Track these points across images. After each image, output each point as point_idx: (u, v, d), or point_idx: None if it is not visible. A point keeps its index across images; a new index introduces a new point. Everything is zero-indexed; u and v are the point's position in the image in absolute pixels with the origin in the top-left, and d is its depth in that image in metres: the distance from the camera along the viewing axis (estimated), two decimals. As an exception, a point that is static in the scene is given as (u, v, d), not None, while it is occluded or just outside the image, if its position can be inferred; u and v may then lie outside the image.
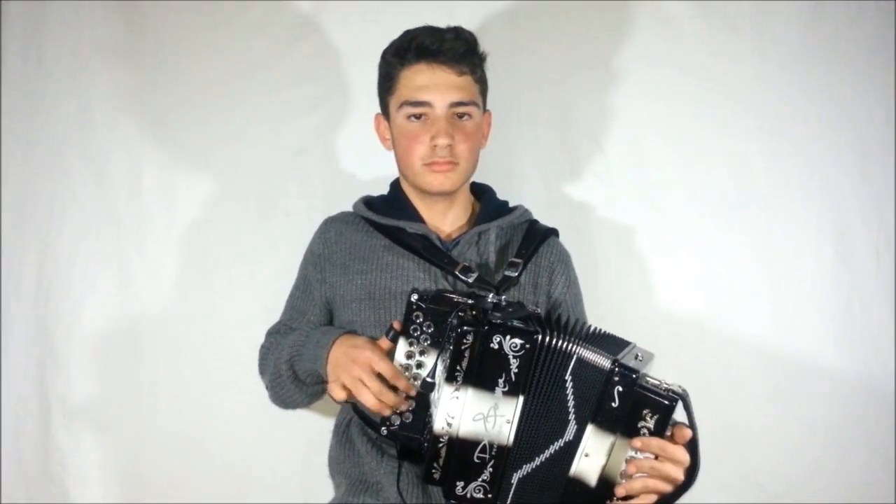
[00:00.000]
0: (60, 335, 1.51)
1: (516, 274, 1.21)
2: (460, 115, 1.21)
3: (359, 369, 1.07)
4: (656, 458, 1.00)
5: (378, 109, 1.29)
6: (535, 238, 1.28)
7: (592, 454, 1.01)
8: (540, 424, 1.02)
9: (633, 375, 0.99)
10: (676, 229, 1.53)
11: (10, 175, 1.51)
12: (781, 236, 1.51)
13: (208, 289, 1.52)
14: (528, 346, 0.99)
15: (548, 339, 1.01)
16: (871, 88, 1.50)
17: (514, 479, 1.03)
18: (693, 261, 1.53)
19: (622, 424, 1.00)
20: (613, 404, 1.00)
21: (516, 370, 1.00)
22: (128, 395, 1.51)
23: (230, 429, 1.51)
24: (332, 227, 1.30)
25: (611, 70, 1.53)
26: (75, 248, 1.52)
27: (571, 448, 1.02)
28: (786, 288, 1.51)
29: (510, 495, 1.03)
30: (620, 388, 0.99)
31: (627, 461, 1.01)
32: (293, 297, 1.33)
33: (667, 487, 1.01)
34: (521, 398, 1.01)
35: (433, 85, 1.19)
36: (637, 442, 0.99)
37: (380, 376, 1.06)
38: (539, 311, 1.10)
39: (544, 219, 1.36)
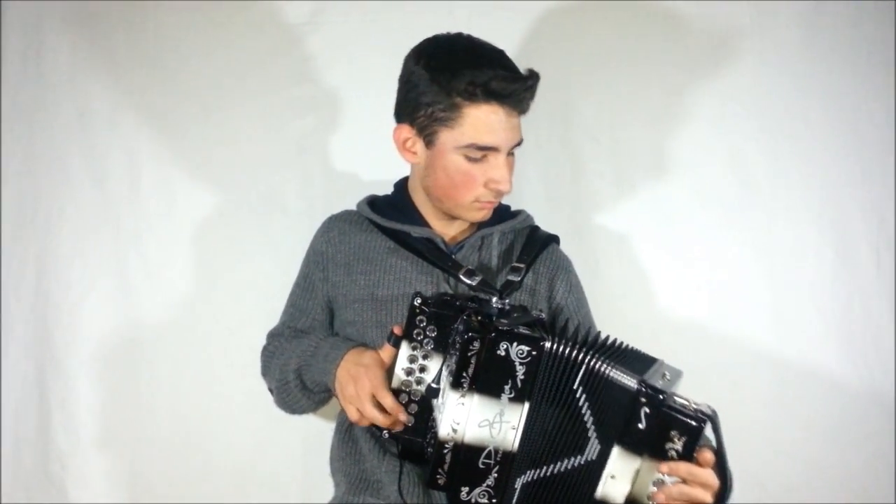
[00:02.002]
0: (60, 335, 1.51)
1: (519, 279, 1.20)
2: (510, 153, 1.19)
3: (360, 392, 1.07)
4: (685, 482, 0.98)
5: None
6: (536, 244, 1.27)
7: (619, 476, 1.00)
8: (547, 432, 1.02)
9: (661, 396, 0.98)
10: (676, 229, 1.53)
11: (10, 175, 1.51)
12: (782, 236, 1.51)
13: (208, 289, 1.52)
14: (534, 353, 0.98)
15: (555, 346, 1.00)
16: (871, 88, 1.50)
17: (518, 484, 1.03)
18: (693, 261, 1.52)
19: (649, 446, 0.98)
20: (640, 425, 0.98)
21: (522, 377, 0.99)
22: (127, 395, 1.51)
23: (230, 429, 1.52)
24: (336, 226, 1.30)
25: (611, 70, 1.52)
26: (75, 249, 1.52)
27: (596, 469, 1.01)
28: (786, 288, 1.51)
29: (514, 500, 1.03)
30: (647, 410, 0.98)
31: (655, 484, 0.99)
32: (294, 295, 1.33)
33: None
34: (527, 404, 1.00)
35: (502, 130, 1.14)
36: (664, 467, 0.97)
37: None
38: (543, 315, 1.09)
39: (545, 220, 1.36)
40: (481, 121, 1.13)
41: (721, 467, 1.00)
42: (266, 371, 1.32)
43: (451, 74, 1.12)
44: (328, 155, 1.54)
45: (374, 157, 1.45)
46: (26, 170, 1.52)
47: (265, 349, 1.33)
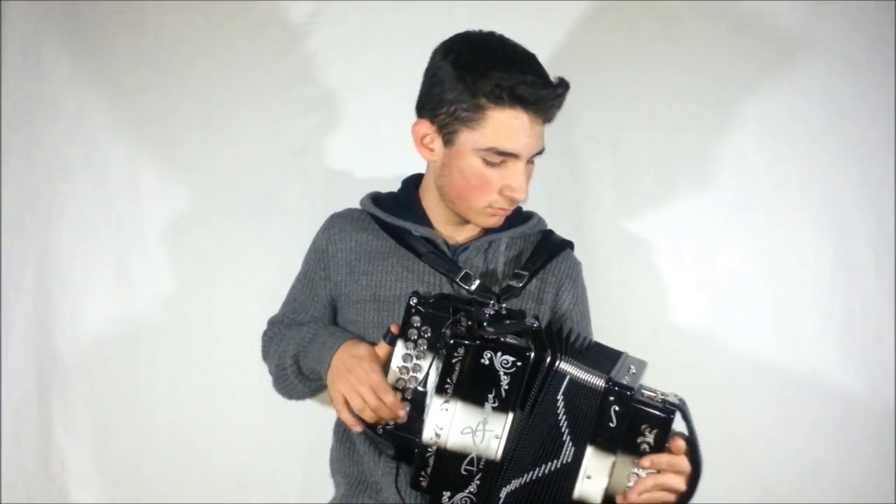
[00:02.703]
0: (60, 335, 1.51)
1: (520, 285, 1.18)
2: (530, 161, 1.16)
3: (355, 380, 1.07)
4: (657, 471, 0.99)
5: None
6: (546, 251, 1.25)
7: (595, 476, 1.00)
8: (530, 442, 1.02)
9: (629, 392, 0.98)
10: (677, 229, 1.53)
11: (10, 175, 1.51)
12: (781, 237, 1.51)
13: (208, 289, 1.52)
14: (519, 363, 0.98)
15: (541, 357, 1.00)
16: (871, 88, 1.50)
17: (503, 494, 1.03)
18: (693, 261, 1.52)
19: (622, 443, 0.99)
20: (611, 424, 0.98)
21: (507, 387, 0.99)
22: (127, 395, 1.52)
23: (230, 429, 1.52)
24: (338, 225, 1.29)
25: (612, 70, 1.52)
26: (75, 248, 1.52)
27: (572, 470, 1.01)
28: (786, 289, 1.51)
29: None
30: (617, 408, 0.98)
31: (630, 478, 0.99)
32: (295, 289, 1.32)
33: (670, 498, 1.00)
34: (511, 415, 1.00)
35: (525, 137, 1.11)
36: (646, 462, 0.98)
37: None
38: (537, 324, 1.07)
39: (545, 220, 1.35)
40: (504, 125, 1.10)
41: (693, 453, 1.00)
42: (265, 355, 1.33)
43: (478, 74, 1.09)
44: (328, 154, 1.54)
45: (375, 156, 1.45)
46: (26, 170, 1.52)
47: (265, 334, 1.34)
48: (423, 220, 1.24)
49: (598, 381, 0.99)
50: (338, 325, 1.27)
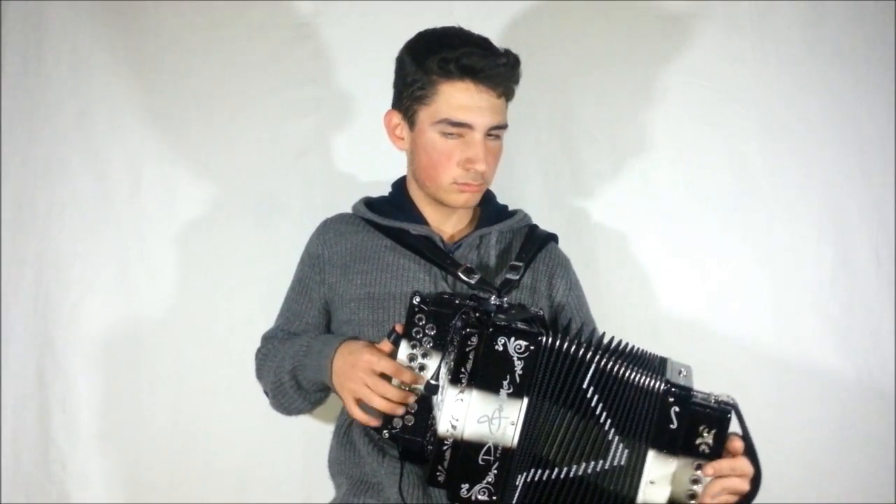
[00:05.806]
0: (60, 335, 1.51)
1: (517, 277, 1.20)
2: (492, 136, 1.19)
3: (361, 373, 1.07)
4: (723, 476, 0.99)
5: (387, 105, 1.25)
6: (535, 243, 1.27)
7: (658, 481, 1.00)
8: (554, 431, 1.02)
9: (687, 394, 0.99)
10: (677, 229, 1.53)
11: (10, 174, 1.51)
12: (781, 237, 1.52)
13: (208, 289, 1.52)
14: (532, 347, 0.99)
15: (552, 341, 1.01)
16: (871, 88, 1.50)
17: (519, 482, 1.02)
18: (693, 261, 1.53)
19: (682, 445, 0.99)
20: (672, 426, 0.99)
21: (521, 372, 0.99)
22: (128, 394, 1.51)
23: (230, 429, 1.51)
24: (332, 229, 1.30)
25: (611, 70, 1.53)
26: (75, 248, 1.51)
27: (631, 475, 1.01)
28: (786, 288, 1.51)
29: (515, 498, 1.03)
30: (677, 409, 0.99)
31: (692, 481, 0.99)
32: (289, 299, 1.33)
33: (734, 500, 1.01)
34: (526, 400, 1.00)
35: (476, 108, 1.15)
36: (710, 469, 0.98)
37: (383, 376, 1.06)
38: (542, 312, 1.09)
39: (545, 219, 1.36)
40: (454, 97, 1.15)
41: (750, 452, 1.01)
42: (260, 374, 1.32)
43: (429, 53, 1.16)
44: (328, 156, 1.54)
45: (375, 158, 1.45)
46: (26, 169, 1.51)
47: (258, 352, 1.33)
48: (420, 218, 1.26)
49: (657, 384, 1.00)
50: (331, 333, 1.28)
